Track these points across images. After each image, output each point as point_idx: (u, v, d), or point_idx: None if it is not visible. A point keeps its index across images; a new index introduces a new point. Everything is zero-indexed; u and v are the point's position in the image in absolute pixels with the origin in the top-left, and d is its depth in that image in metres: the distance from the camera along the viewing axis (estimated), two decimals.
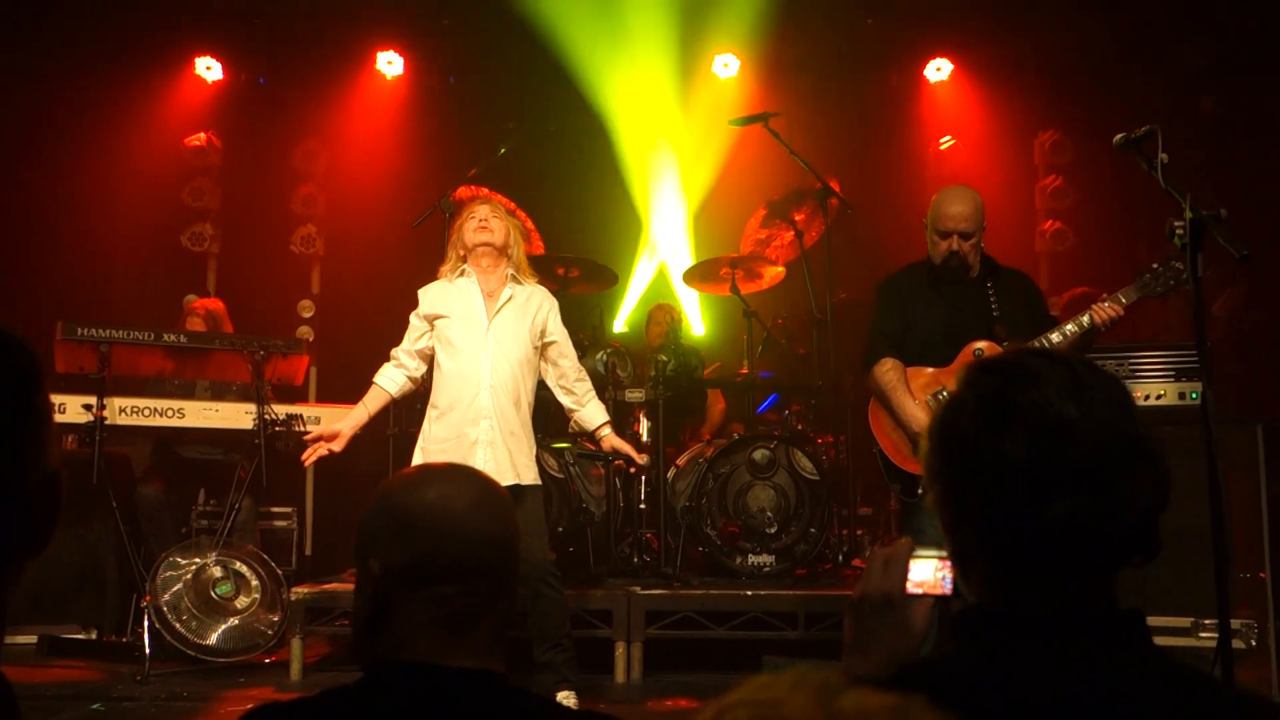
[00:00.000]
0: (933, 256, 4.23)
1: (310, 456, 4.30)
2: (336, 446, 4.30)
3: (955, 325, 4.16)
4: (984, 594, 1.24)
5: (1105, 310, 3.98)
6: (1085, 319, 3.99)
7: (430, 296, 4.41)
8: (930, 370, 4.14)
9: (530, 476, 4.30)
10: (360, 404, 4.43)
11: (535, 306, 4.41)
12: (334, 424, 4.35)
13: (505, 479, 4.14)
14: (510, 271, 4.40)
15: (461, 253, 4.42)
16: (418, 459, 4.28)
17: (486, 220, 4.39)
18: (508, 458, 4.19)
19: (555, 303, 4.51)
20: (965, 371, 1.28)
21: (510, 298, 4.35)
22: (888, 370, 4.18)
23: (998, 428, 1.18)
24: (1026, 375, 1.20)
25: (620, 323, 7.87)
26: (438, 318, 4.35)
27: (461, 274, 4.40)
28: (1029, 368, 1.21)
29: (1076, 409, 1.17)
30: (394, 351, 4.46)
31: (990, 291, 4.20)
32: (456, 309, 4.32)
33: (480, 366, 4.24)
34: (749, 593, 5.05)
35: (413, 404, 6.41)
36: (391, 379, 4.42)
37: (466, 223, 4.43)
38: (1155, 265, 3.99)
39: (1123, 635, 1.17)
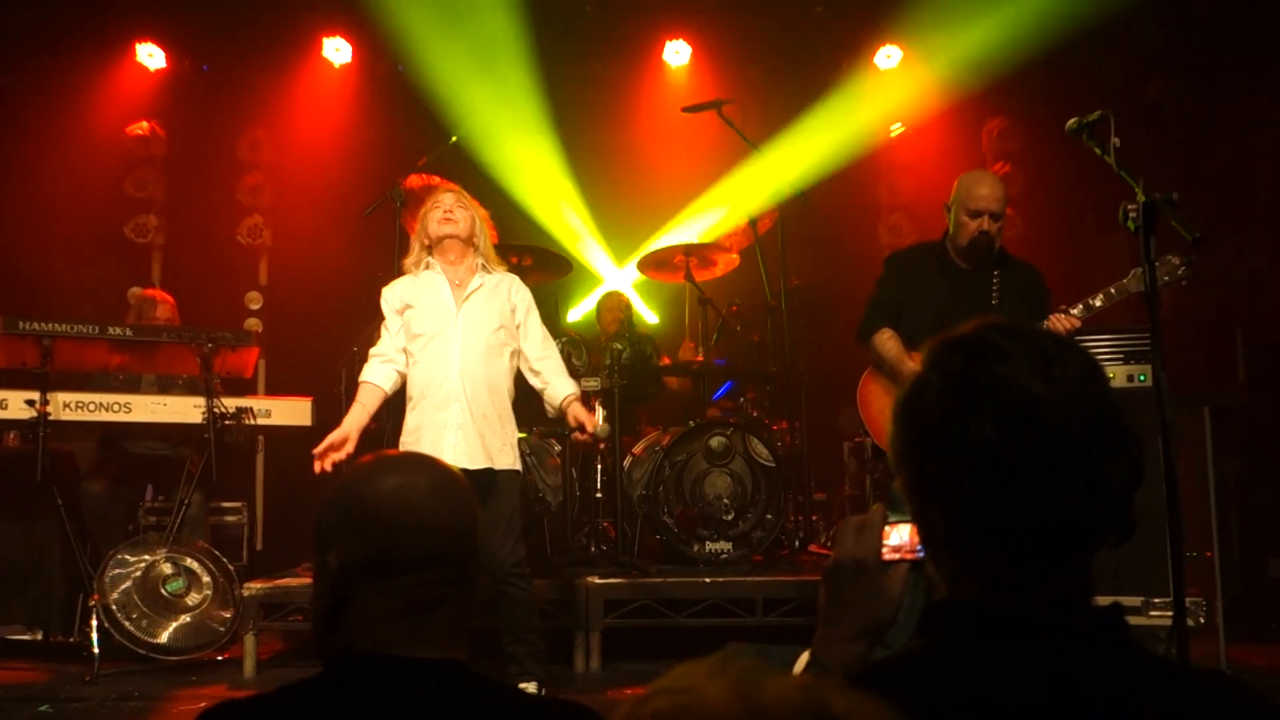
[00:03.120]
0: (957, 237, 4.25)
1: (325, 465, 4.06)
2: (350, 448, 4.12)
3: (952, 311, 4.17)
4: (955, 583, 1.18)
5: (1062, 321, 4.04)
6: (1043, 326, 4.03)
7: (396, 292, 4.30)
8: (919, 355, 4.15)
9: (506, 461, 4.21)
10: (356, 404, 4.26)
11: (506, 290, 4.30)
12: (337, 431, 4.13)
13: (477, 462, 4.10)
14: (480, 261, 4.31)
15: (426, 243, 4.31)
16: (414, 449, 4.20)
17: (451, 210, 4.28)
18: (479, 441, 4.12)
19: (527, 289, 4.41)
20: (929, 350, 1.21)
21: (480, 286, 4.27)
22: (887, 339, 4.24)
23: (964, 408, 1.12)
24: (992, 352, 1.14)
25: (574, 313, 7.85)
26: (406, 308, 4.25)
27: (427, 267, 4.29)
28: (994, 344, 1.15)
29: (1045, 385, 1.11)
30: (374, 350, 4.32)
31: (995, 280, 4.23)
32: (424, 300, 4.23)
33: (449, 351, 4.16)
34: (707, 580, 5.05)
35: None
36: (383, 374, 4.27)
37: (431, 212, 4.31)
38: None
39: (1102, 633, 1.12)
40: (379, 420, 6.04)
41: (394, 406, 5.56)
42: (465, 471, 3.98)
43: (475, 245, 4.32)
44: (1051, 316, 4.06)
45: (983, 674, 1.09)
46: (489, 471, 4.13)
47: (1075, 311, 4.06)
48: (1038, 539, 1.12)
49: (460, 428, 4.12)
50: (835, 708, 0.73)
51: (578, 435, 4.34)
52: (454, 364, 4.16)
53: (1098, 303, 4.05)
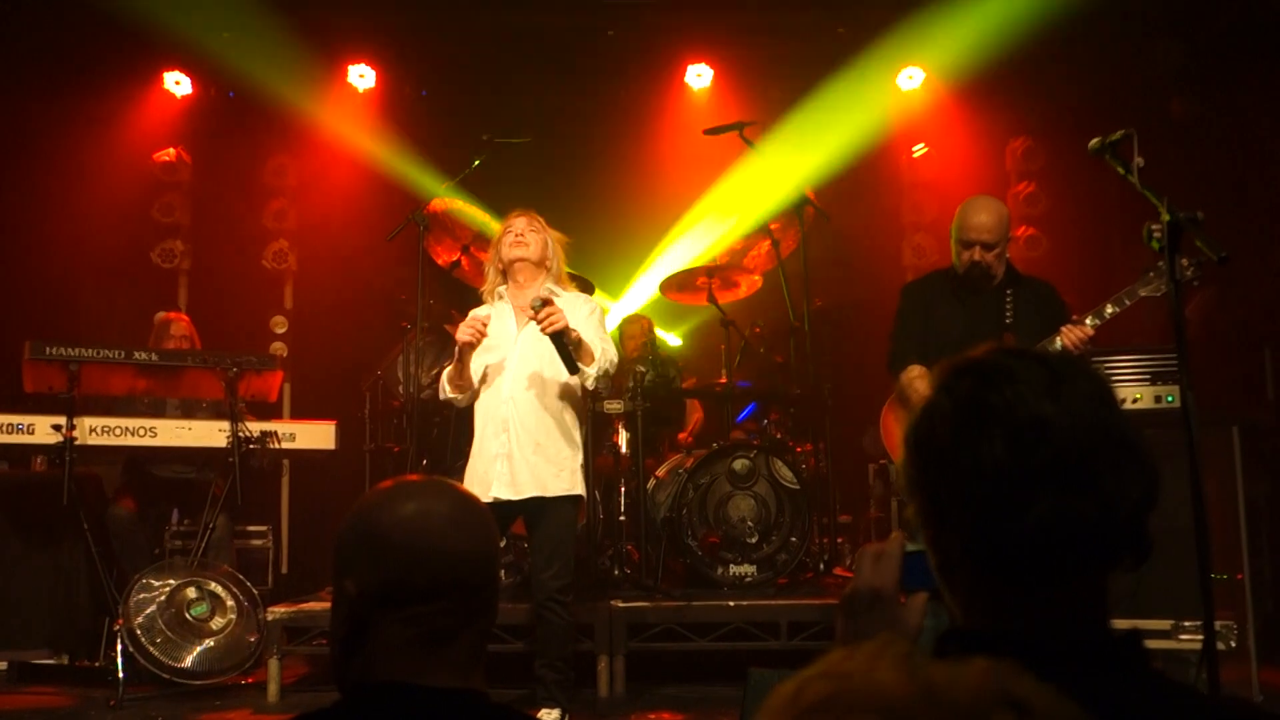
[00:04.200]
0: (956, 265, 4.24)
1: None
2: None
3: (970, 333, 4.15)
4: (969, 611, 1.17)
5: (1074, 332, 3.99)
6: (1057, 341, 3.99)
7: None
8: None
9: (560, 487, 4.17)
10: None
11: (570, 308, 4.22)
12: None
13: (522, 492, 4.12)
14: (549, 284, 4.32)
15: (500, 267, 4.37)
16: (467, 478, 4.25)
17: (523, 234, 4.31)
18: (527, 470, 4.13)
19: (596, 306, 4.39)
20: (939, 374, 1.22)
21: None
22: (915, 378, 4.22)
23: (974, 431, 1.13)
24: (1001, 374, 1.15)
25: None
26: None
27: (500, 298, 4.35)
28: (1003, 367, 1.16)
29: (1053, 406, 1.11)
30: None
31: (1008, 299, 4.21)
32: (491, 328, 4.23)
33: (503, 380, 4.20)
34: (731, 603, 5.02)
35: (388, 420, 6.40)
36: None
37: (504, 237, 4.36)
38: (1161, 264, 3.96)
39: (1119, 658, 1.10)
40: (402, 442, 6.08)
41: (418, 427, 5.58)
42: (508, 502, 4.05)
43: (547, 268, 4.35)
44: (1064, 328, 4.02)
45: None
46: (538, 500, 4.13)
47: (1088, 321, 4.03)
48: (1049, 560, 1.11)
49: (507, 458, 4.13)
50: (1018, 692, 0.71)
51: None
52: (505, 391, 4.18)
53: (1109, 310, 4.01)
